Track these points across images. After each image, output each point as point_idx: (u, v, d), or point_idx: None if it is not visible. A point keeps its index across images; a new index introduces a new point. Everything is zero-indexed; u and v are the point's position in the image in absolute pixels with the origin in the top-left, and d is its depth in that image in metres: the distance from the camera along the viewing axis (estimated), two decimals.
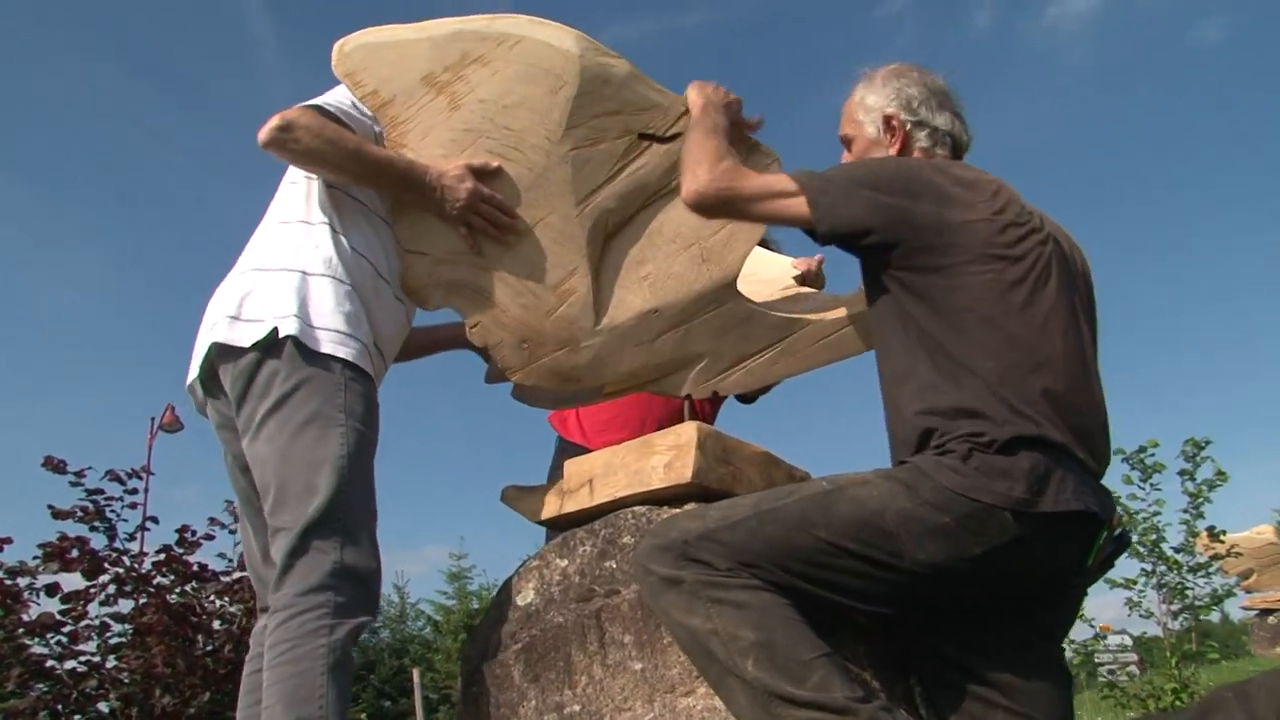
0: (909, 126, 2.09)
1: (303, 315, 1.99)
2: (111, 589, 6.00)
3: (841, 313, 2.40)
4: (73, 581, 6.01)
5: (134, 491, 6.15)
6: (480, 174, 2.19)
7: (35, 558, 5.90)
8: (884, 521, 1.67)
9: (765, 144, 2.31)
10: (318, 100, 2.13)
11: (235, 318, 2.02)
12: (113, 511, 6.03)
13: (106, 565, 5.96)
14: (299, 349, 1.96)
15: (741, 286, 2.40)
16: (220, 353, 2.03)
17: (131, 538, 6.15)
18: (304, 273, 2.06)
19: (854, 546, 1.68)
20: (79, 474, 5.96)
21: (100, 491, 6.01)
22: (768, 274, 2.81)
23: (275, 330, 1.96)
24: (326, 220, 2.13)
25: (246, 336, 1.99)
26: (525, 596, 2.15)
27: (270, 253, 2.12)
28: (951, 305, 1.80)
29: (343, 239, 2.13)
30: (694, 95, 2.18)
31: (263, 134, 2.03)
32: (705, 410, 3.43)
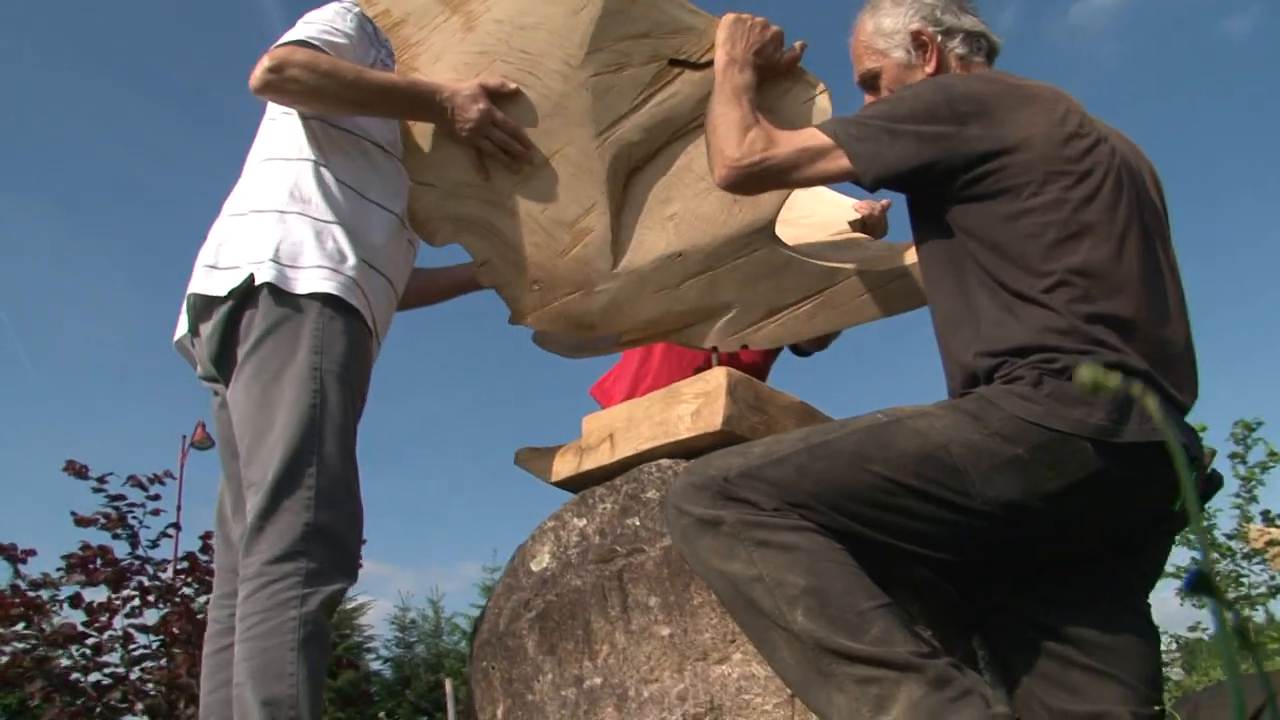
0: (940, 38, 1.85)
1: (279, 258, 1.85)
2: (136, 601, 5.86)
3: (894, 263, 2.15)
4: (97, 592, 5.88)
5: (156, 498, 6.04)
6: (495, 96, 1.98)
7: (59, 569, 5.77)
8: (949, 455, 1.46)
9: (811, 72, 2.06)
10: (299, 34, 1.96)
11: (213, 266, 1.91)
12: (135, 519, 5.93)
13: (129, 574, 5.82)
14: (275, 294, 1.84)
15: (792, 228, 2.17)
16: (200, 304, 1.91)
17: (154, 545, 6.02)
18: (281, 212, 1.92)
19: (916, 484, 1.46)
20: (101, 480, 5.86)
21: (122, 498, 5.90)
22: (825, 215, 2.56)
23: (251, 277, 1.84)
24: (306, 155, 1.98)
25: (223, 285, 1.87)
26: (540, 561, 1.92)
27: (248, 195, 1.99)
28: (1014, 233, 1.58)
29: (324, 171, 1.97)
30: (720, 50, 1.93)
31: (254, 79, 1.91)
32: (754, 366, 3.15)
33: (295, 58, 1.90)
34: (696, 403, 1.91)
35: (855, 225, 2.50)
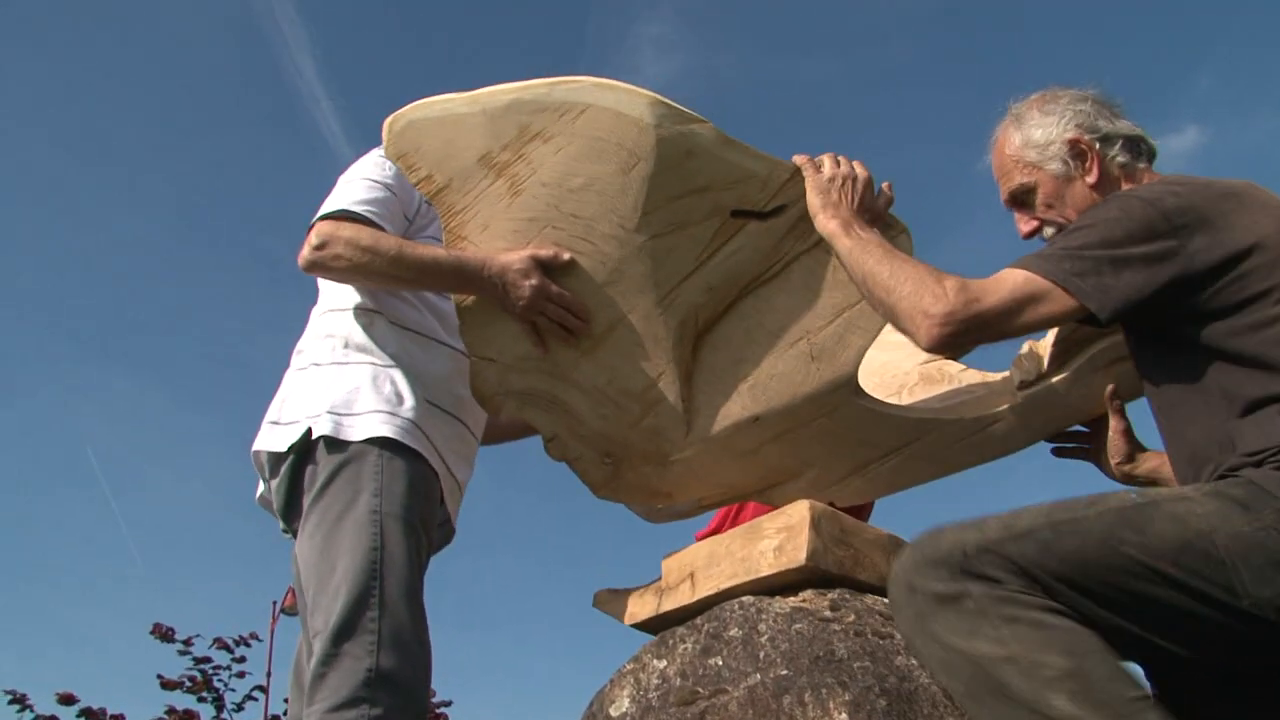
0: (1098, 145, 1.71)
1: (335, 408, 1.87)
2: None
3: (989, 407, 2.04)
4: None
5: (242, 660, 6.04)
6: (547, 267, 1.87)
7: None
8: (1214, 547, 1.31)
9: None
10: (341, 201, 1.96)
11: (276, 423, 1.94)
12: (220, 681, 5.92)
13: None
14: (331, 444, 1.84)
15: (883, 352, 2.08)
16: (269, 460, 1.94)
17: (239, 708, 5.99)
18: (339, 364, 1.94)
19: (1175, 573, 1.31)
20: (187, 642, 5.88)
21: (208, 660, 5.92)
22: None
23: (309, 431, 1.86)
24: (361, 303, 2.00)
25: (284, 441, 1.89)
26: (619, 706, 1.84)
27: (308, 349, 2.02)
28: (1270, 343, 1.44)
29: (380, 317, 1.99)
30: (825, 215, 1.72)
31: (301, 259, 1.92)
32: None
33: (340, 234, 1.88)
34: (779, 538, 1.85)
35: None
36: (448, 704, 7.00)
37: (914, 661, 1.67)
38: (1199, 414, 1.51)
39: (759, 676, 1.66)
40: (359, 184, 2.00)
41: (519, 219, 1.84)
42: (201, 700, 5.84)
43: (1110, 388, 1.91)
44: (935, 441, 2.06)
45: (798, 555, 1.80)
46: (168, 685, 5.79)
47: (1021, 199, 1.79)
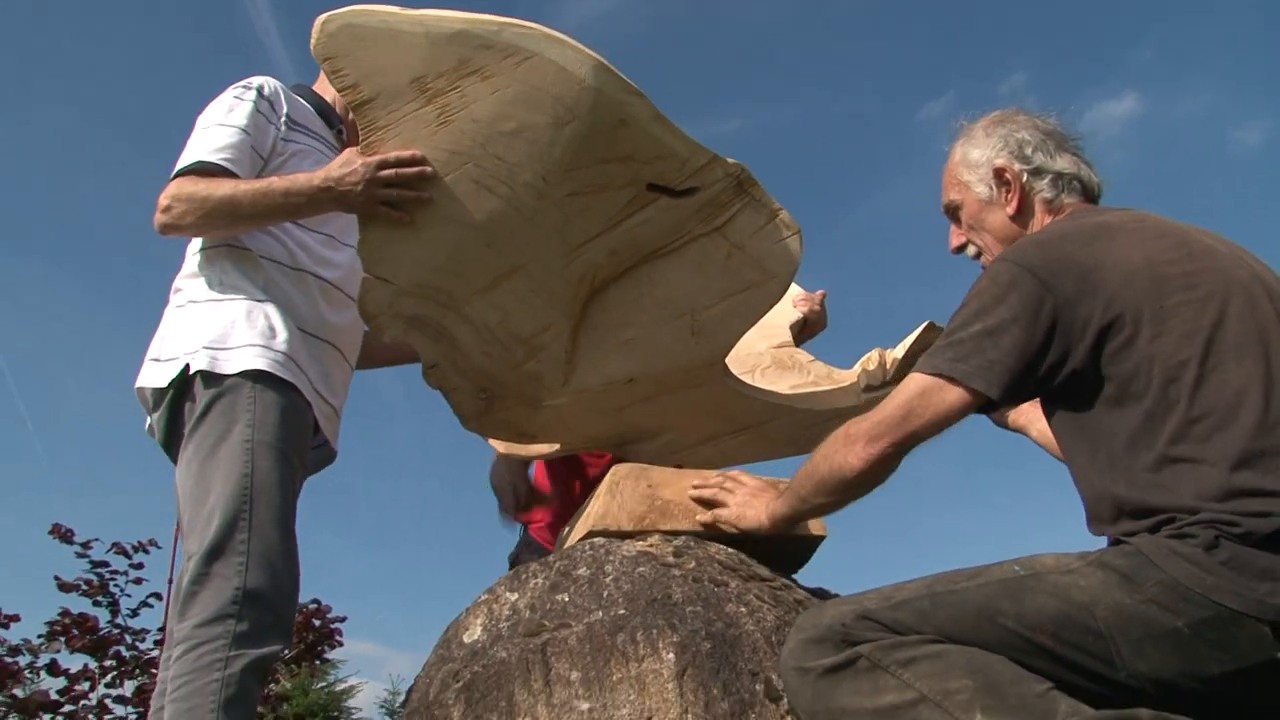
0: (1025, 176, 1.71)
1: (211, 344, 1.93)
2: (115, 671, 5.84)
3: (832, 403, 2.18)
4: (77, 659, 5.86)
5: (140, 566, 6.05)
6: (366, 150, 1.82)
7: (40, 636, 5.78)
8: (1093, 619, 1.31)
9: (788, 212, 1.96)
10: (192, 154, 1.99)
11: (156, 360, 2.00)
12: (116, 586, 5.94)
13: (109, 643, 5.81)
14: (208, 378, 1.91)
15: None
16: (152, 395, 2.01)
17: (134, 614, 6.02)
18: (214, 300, 2.00)
19: (1052, 645, 1.31)
20: (86, 545, 5.88)
21: (105, 564, 5.93)
22: (767, 319, 2.48)
23: (187, 367, 1.92)
24: (229, 239, 2.05)
25: (164, 376, 1.95)
26: (472, 633, 1.94)
27: (184, 287, 2.07)
28: (1151, 383, 1.40)
29: (248, 251, 2.04)
30: (765, 517, 1.83)
31: (155, 223, 1.97)
32: None
33: (181, 192, 1.93)
34: (597, 503, 2.01)
35: (797, 324, 2.57)
36: (342, 619, 7.05)
37: (743, 609, 1.80)
38: (1099, 462, 1.48)
39: (600, 614, 1.75)
40: (211, 131, 2.02)
41: (442, 148, 1.82)
42: (97, 604, 5.87)
43: None
44: (784, 425, 2.20)
45: (589, 522, 1.96)
46: (64, 588, 5.78)
47: (951, 214, 1.84)
